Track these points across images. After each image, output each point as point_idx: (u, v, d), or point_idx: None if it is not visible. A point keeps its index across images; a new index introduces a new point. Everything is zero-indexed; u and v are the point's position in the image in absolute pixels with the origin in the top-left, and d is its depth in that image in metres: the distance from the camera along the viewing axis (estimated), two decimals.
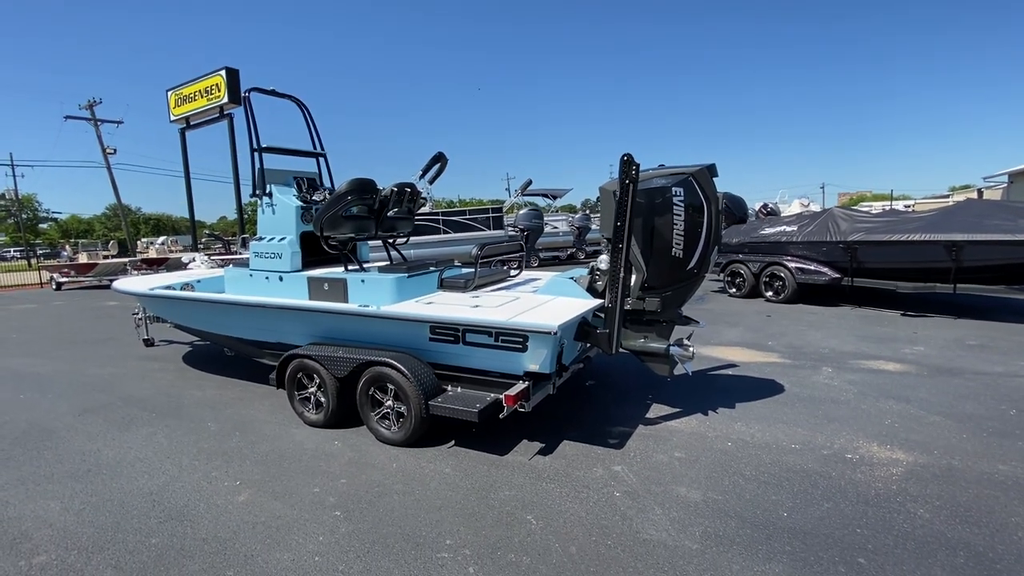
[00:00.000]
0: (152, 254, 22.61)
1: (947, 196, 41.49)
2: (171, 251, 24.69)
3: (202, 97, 20.44)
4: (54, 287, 19.36)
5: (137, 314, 7.60)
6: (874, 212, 9.50)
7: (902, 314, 7.86)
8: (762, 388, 4.86)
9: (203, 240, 30.10)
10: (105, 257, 21.30)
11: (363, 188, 4.69)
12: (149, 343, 7.76)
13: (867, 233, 7.95)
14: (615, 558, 2.53)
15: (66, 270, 19.57)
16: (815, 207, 21.27)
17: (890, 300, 8.76)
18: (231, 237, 22.83)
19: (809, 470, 3.29)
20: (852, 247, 8.09)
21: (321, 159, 6.04)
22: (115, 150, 25.93)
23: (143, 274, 13.44)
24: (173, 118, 21.63)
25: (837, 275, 8.48)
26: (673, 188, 3.75)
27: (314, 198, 5.36)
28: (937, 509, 2.82)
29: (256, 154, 5.16)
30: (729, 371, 5.45)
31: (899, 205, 33.36)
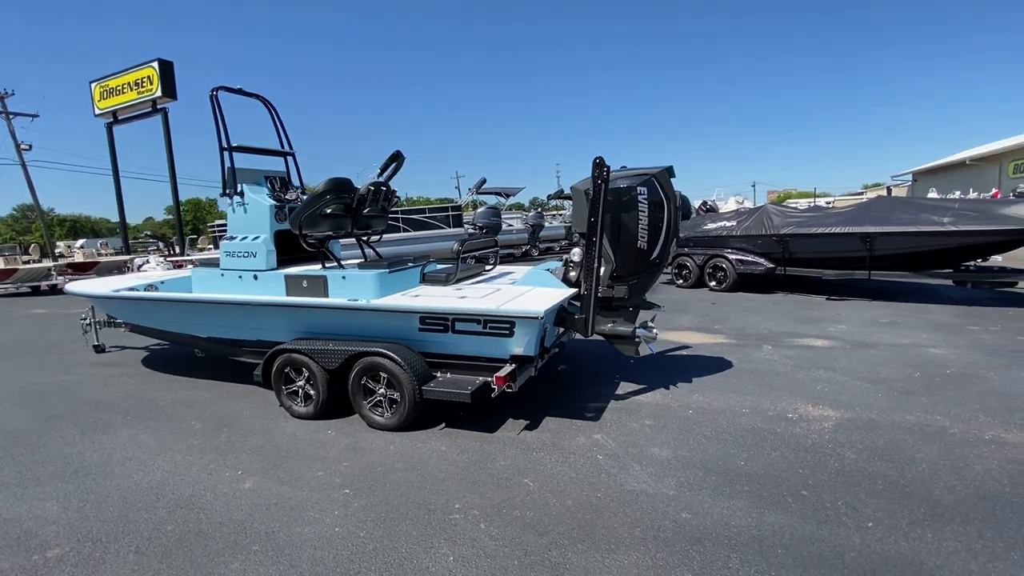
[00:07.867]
0: (79, 258, 21.02)
1: (861, 193, 45.62)
2: (100, 255, 23.03)
3: (131, 90, 19.22)
4: None
5: (85, 319, 7.25)
6: (801, 208, 10.54)
7: (827, 298, 8.83)
8: (713, 365, 5.45)
9: (132, 240, 28.17)
10: (26, 262, 19.61)
11: (341, 187, 4.85)
12: (100, 349, 7.42)
13: (796, 227, 8.87)
14: (606, 506, 2.92)
15: None
16: (748, 204, 22.90)
17: (817, 287, 9.78)
18: (172, 239, 21.60)
19: (758, 428, 3.83)
20: (784, 239, 8.99)
21: (290, 158, 6.09)
22: (31, 146, 23.78)
23: (72, 279, 12.62)
24: (98, 112, 20.23)
25: (772, 265, 9.38)
26: (638, 187, 4.20)
27: (287, 197, 5.44)
28: (860, 451, 3.41)
29: (226, 153, 5.17)
30: (684, 352, 6.03)
31: (821, 202, 36.32)
